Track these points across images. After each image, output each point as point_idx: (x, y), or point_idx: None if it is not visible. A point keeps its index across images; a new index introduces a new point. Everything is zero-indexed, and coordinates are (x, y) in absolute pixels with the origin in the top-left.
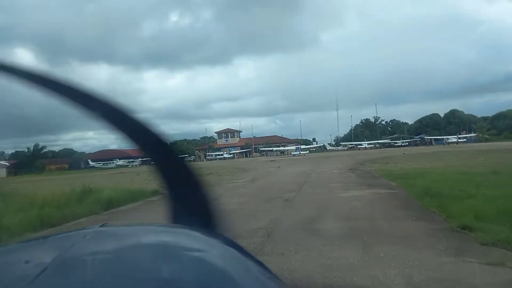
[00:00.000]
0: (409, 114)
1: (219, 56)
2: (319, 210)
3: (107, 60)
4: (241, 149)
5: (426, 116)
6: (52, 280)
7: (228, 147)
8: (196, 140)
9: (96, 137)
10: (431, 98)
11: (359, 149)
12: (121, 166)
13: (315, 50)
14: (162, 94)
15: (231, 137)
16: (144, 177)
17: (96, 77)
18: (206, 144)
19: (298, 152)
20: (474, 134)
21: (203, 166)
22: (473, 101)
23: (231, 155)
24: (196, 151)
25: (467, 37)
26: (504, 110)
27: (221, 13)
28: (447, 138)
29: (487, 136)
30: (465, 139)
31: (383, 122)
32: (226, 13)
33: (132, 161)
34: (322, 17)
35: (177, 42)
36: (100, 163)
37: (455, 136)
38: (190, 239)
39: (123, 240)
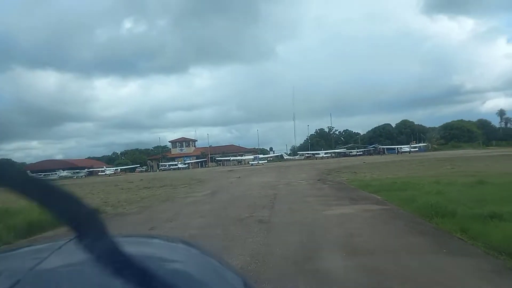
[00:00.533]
0: (360, 124)
1: (174, 64)
2: (310, 237)
3: (56, 66)
4: (196, 159)
5: (379, 126)
6: None
7: (183, 156)
8: (149, 149)
9: (40, 146)
10: (381, 110)
11: (316, 158)
12: (64, 177)
13: (272, 61)
14: (115, 102)
15: (186, 146)
16: (87, 190)
17: (44, 84)
18: (159, 154)
19: (257, 162)
20: (424, 144)
21: (156, 177)
22: (419, 113)
23: (186, 165)
24: (149, 161)
25: (414, 53)
26: (449, 121)
27: (177, 21)
28: (400, 148)
29: (436, 146)
30: (417, 149)
31: (337, 132)
32: (183, 21)
33: (77, 172)
34: (279, 29)
35: (131, 49)
36: (40, 175)
37: (408, 146)
38: (164, 250)
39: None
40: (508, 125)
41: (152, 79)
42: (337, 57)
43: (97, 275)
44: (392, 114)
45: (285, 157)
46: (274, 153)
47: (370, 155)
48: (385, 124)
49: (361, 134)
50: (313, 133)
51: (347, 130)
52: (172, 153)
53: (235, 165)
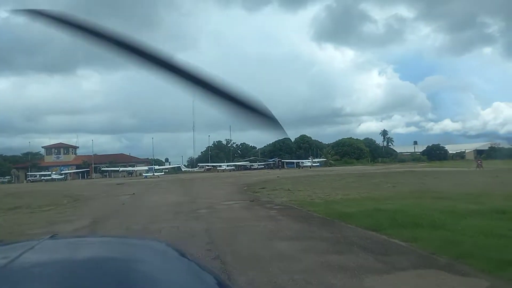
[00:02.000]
0: (254, 139)
1: (60, 64)
2: None
3: None
4: (77, 169)
5: (279, 140)
6: None
7: (59, 165)
8: (17, 156)
9: None
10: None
11: (218, 171)
12: None
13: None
14: None
15: (65, 153)
16: None
17: None
18: (28, 162)
19: (152, 174)
20: (324, 159)
21: (17, 191)
22: (306, 131)
23: (62, 176)
24: (14, 170)
25: (303, 75)
26: (333, 139)
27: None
28: (302, 162)
29: (332, 161)
30: (318, 164)
31: (234, 145)
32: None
33: None
34: (178, 38)
35: (7, 42)
36: None
37: (309, 161)
38: (140, 251)
39: (72, 251)
40: (389, 144)
41: (31, 77)
42: (234, 72)
43: (70, 275)
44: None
45: (183, 169)
46: (170, 165)
47: (271, 168)
48: (285, 138)
49: (257, 148)
50: (210, 145)
51: (244, 143)
52: (46, 161)
53: (124, 177)
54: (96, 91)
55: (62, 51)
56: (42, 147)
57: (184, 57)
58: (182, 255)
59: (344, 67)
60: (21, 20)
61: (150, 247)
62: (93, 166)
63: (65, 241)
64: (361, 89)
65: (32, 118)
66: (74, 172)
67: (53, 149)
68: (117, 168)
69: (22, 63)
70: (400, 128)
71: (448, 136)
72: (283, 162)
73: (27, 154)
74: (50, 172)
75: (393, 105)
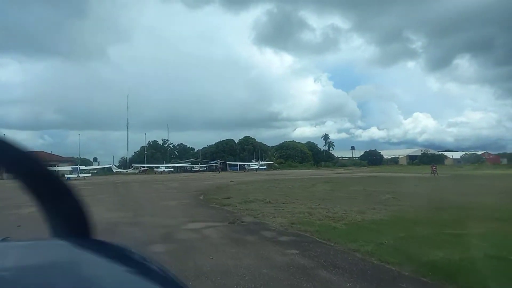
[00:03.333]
0: (191, 140)
1: None
2: None
3: None
4: None
5: (222, 141)
6: None
7: None
8: None
9: None
10: (210, 128)
11: (155, 173)
12: None
13: (101, 63)
14: None
15: None
16: None
17: None
18: None
19: (76, 175)
20: (269, 162)
21: None
22: (242, 133)
23: None
24: None
25: (241, 78)
26: (273, 143)
27: None
28: (248, 165)
29: (276, 164)
30: (265, 167)
31: (171, 146)
32: None
33: None
34: (111, 30)
35: None
36: None
37: (256, 163)
38: (94, 253)
39: (24, 255)
40: (330, 148)
41: None
42: (170, 71)
43: (21, 279)
44: (220, 131)
45: (114, 170)
46: (99, 165)
47: (213, 171)
48: (228, 139)
49: (195, 149)
50: (145, 145)
51: (181, 144)
52: None
53: None
54: (16, 81)
55: None
56: None
57: (116, 51)
58: (138, 256)
59: (282, 73)
60: None
61: (106, 249)
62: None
63: (17, 244)
64: (297, 95)
65: None
66: None
67: None
68: None
69: None
70: (332, 134)
71: (375, 142)
72: (224, 163)
73: None
74: None
75: (326, 111)
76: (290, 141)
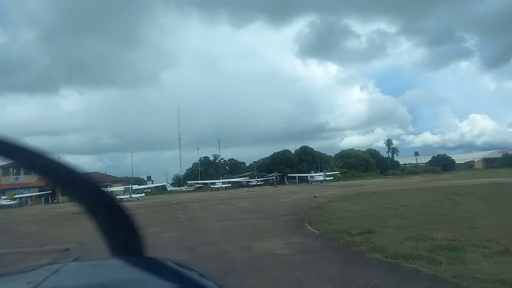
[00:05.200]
0: (241, 155)
1: (40, 84)
2: None
3: None
4: (40, 191)
5: (278, 152)
6: None
7: (18, 188)
8: None
9: None
10: (256, 142)
11: (212, 190)
12: None
13: (152, 88)
14: None
15: (26, 173)
16: None
17: None
18: None
19: (129, 196)
20: (335, 172)
21: None
22: (289, 146)
23: (15, 201)
24: None
25: (286, 91)
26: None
27: (47, 36)
28: (312, 176)
29: (340, 175)
30: (332, 178)
31: (222, 161)
32: (53, 37)
33: None
34: (161, 56)
35: None
36: None
37: (322, 174)
38: (167, 273)
39: (97, 275)
40: (394, 155)
41: (10, 98)
42: (216, 90)
43: None
44: (267, 146)
45: (168, 188)
46: (153, 183)
47: (271, 185)
48: (284, 150)
49: (246, 164)
50: (198, 161)
51: (232, 159)
52: (2, 182)
53: None
54: (77, 110)
55: (41, 71)
56: None
57: (167, 76)
58: (206, 277)
59: (328, 83)
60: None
61: (176, 269)
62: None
63: (88, 263)
64: (344, 104)
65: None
66: (37, 195)
67: (10, 169)
68: None
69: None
70: (382, 141)
71: (429, 148)
72: (285, 176)
73: None
74: None
75: (375, 119)
76: (349, 149)
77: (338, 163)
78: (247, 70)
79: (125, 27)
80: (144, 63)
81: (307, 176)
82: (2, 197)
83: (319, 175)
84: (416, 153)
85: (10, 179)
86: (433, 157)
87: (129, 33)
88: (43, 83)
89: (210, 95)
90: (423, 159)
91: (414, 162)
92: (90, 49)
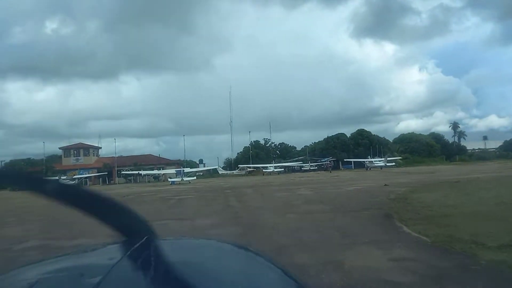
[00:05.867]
0: (291, 140)
1: (103, 71)
2: None
3: None
4: (98, 172)
5: (332, 136)
6: None
7: (78, 169)
8: (34, 160)
9: None
10: (308, 127)
11: (264, 174)
12: None
13: (206, 73)
14: (30, 107)
15: (85, 155)
16: None
17: None
18: (43, 165)
19: (180, 179)
20: (399, 157)
21: None
22: (342, 131)
23: (73, 182)
24: None
25: (339, 74)
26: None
27: (109, 25)
28: (370, 161)
29: (401, 160)
30: (394, 163)
31: (273, 145)
32: (115, 26)
33: None
34: (214, 41)
35: (54, 51)
36: None
37: (382, 159)
38: (230, 255)
39: (169, 252)
40: (461, 139)
41: (76, 84)
42: (269, 74)
43: (168, 275)
44: (318, 130)
45: (220, 172)
46: (205, 166)
47: (325, 170)
48: (339, 133)
49: (297, 148)
50: (249, 144)
51: (283, 143)
52: (63, 163)
53: (150, 182)
54: (137, 96)
55: (105, 59)
56: (60, 148)
57: (220, 61)
58: (271, 262)
59: (384, 64)
60: (68, 29)
61: (240, 253)
62: (116, 169)
63: (161, 242)
64: (401, 86)
65: (76, 123)
66: (96, 176)
67: (71, 150)
68: (139, 172)
69: (68, 71)
70: (442, 125)
71: (494, 132)
72: (340, 162)
73: (51, 156)
74: (57, 178)
75: (434, 101)
76: (409, 133)
77: (398, 148)
78: (299, 53)
79: (181, 13)
80: (199, 48)
81: (365, 161)
82: (62, 177)
83: (379, 161)
84: (485, 138)
85: (71, 160)
86: (505, 141)
87: (185, 19)
88: (105, 70)
89: (262, 79)
90: (492, 144)
91: (482, 147)
92: (148, 36)
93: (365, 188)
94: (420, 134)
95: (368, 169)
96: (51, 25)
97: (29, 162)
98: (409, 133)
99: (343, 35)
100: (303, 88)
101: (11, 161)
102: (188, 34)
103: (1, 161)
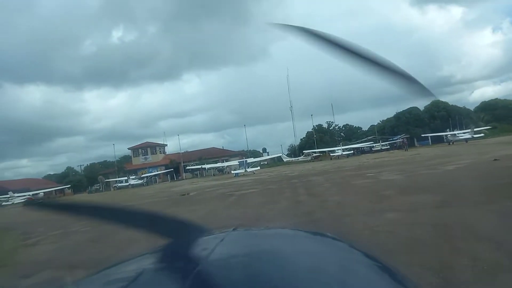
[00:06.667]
0: (355, 121)
1: (167, 71)
2: None
3: (45, 80)
4: (166, 169)
5: (403, 111)
6: (205, 278)
7: (147, 167)
8: (107, 162)
9: (30, 164)
10: (370, 105)
11: (331, 158)
12: None
13: (263, 62)
14: (105, 113)
15: (152, 153)
16: None
17: (31, 99)
18: (114, 167)
19: (244, 170)
20: (488, 127)
21: None
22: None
23: (141, 181)
24: (100, 176)
25: (402, 45)
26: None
27: (168, 26)
28: (453, 135)
29: (487, 131)
30: (482, 134)
31: (337, 128)
32: (173, 26)
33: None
34: (269, 29)
35: (121, 58)
36: None
37: (467, 131)
38: (323, 244)
39: (257, 243)
40: None
41: (144, 87)
42: (326, 55)
43: (256, 266)
44: (382, 108)
45: (284, 159)
46: (268, 155)
47: (399, 148)
48: (411, 107)
49: (363, 128)
50: (309, 130)
51: (347, 124)
52: (133, 163)
53: (215, 175)
54: (198, 92)
55: (166, 60)
56: (129, 148)
57: (276, 48)
58: (364, 253)
59: (451, 29)
60: (132, 36)
61: (331, 243)
62: (182, 164)
63: (246, 232)
64: (473, 51)
65: (147, 124)
66: (164, 173)
67: (139, 150)
68: (202, 166)
69: (135, 76)
70: None
71: None
72: (414, 138)
73: (124, 157)
74: (123, 178)
75: None
76: (493, 99)
77: (484, 117)
78: (356, 27)
79: (235, 5)
80: (254, 38)
81: (446, 134)
82: (131, 177)
83: (464, 133)
84: None
85: (140, 159)
86: None
87: (238, 11)
88: (169, 71)
89: (319, 61)
90: None
91: None
92: (205, 32)
93: (469, 166)
94: (505, 99)
95: (450, 143)
96: (117, 34)
97: (104, 164)
98: (492, 99)
99: (402, 4)
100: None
101: (89, 164)
102: (243, 25)
103: (81, 165)
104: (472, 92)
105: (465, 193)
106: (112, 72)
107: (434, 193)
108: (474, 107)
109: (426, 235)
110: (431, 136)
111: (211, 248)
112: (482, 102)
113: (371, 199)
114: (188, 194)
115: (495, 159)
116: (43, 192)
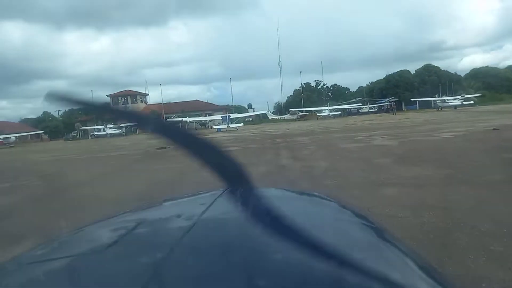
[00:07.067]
0: (345, 81)
1: (153, 16)
2: None
3: (23, 17)
4: None
5: (394, 73)
6: (201, 236)
7: None
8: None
9: (11, 106)
10: (364, 67)
11: (318, 118)
12: None
13: (253, 13)
14: (88, 57)
15: (133, 102)
16: None
17: (8, 37)
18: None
19: (226, 126)
20: (478, 95)
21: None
22: (398, 69)
23: (119, 131)
24: (77, 123)
25: (396, 6)
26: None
27: None
28: (443, 100)
29: (476, 99)
30: (472, 101)
31: (324, 87)
32: None
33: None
34: None
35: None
36: None
37: (458, 97)
38: (324, 207)
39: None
40: None
41: (129, 32)
42: (321, 12)
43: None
44: (371, 70)
45: (270, 117)
46: (254, 111)
47: (386, 112)
48: (401, 70)
49: (351, 90)
50: (300, 87)
51: (335, 85)
52: None
53: (197, 129)
54: (186, 42)
55: (153, 3)
56: (108, 95)
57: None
58: (354, 211)
59: None
60: None
61: (321, 202)
62: (164, 116)
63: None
64: (467, 16)
65: (131, 71)
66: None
67: (119, 98)
68: (184, 119)
69: (120, 18)
70: None
71: None
72: (402, 102)
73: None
74: (101, 127)
75: (507, 32)
76: (484, 66)
77: (474, 84)
78: None
79: None
80: None
81: (436, 100)
82: (108, 126)
83: (454, 99)
84: None
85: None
86: None
87: None
88: (155, 16)
89: (312, 17)
90: None
91: None
92: None
93: (468, 135)
94: (495, 67)
95: (439, 109)
96: None
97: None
98: (483, 66)
99: None
100: (355, 26)
101: (68, 110)
102: None
103: (58, 110)
104: (462, 59)
105: (476, 167)
106: (96, 11)
107: (438, 165)
108: (464, 74)
109: (438, 224)
110: (419, 101)
111: (209, 203)
112: (473, 69)
113: (364, 168)
114: (166, 147)
115: (494, 129)
116: (15, 137)
